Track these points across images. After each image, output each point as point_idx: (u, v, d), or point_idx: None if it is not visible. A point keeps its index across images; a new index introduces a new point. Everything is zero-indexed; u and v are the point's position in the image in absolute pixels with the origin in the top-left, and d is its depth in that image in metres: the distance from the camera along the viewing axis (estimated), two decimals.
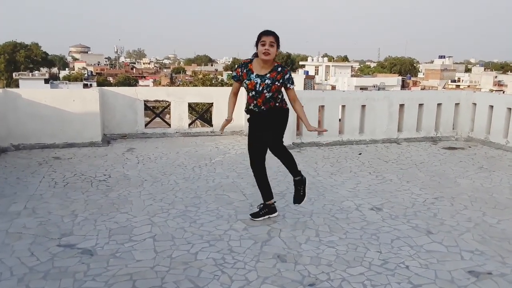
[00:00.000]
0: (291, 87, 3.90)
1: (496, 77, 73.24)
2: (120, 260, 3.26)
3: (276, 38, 3.76)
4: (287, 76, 3.86)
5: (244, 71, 3.87)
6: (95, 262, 3.22)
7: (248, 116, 4.07)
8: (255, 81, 3.81)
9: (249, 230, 3.87)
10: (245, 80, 3.86)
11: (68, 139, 7.09)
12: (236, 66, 4.00)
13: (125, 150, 6.96)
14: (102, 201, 4.53)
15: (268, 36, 3.72)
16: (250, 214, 4.16)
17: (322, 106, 7.65)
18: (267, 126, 3.96)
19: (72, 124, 7.09)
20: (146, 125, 8.23)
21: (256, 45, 3.77)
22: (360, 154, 7.01)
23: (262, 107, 3.89)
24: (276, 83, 3.82)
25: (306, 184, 4.19)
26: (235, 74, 3.95)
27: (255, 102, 3.88)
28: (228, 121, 4.05)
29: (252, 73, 3.84)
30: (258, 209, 4.17)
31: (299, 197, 4.16)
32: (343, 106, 7.84)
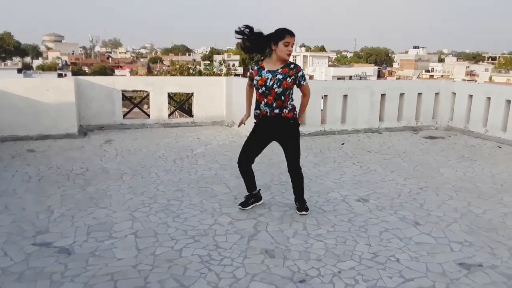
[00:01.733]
0: (304, 83, 3.85)
1: (468, 67, 74.88)
2: (100, 259, 3.09)
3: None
4: (301, 73, 3.82)
5: (255, 68, 3.83)
6: (73, 262, 3.05)
7: (256, 118, 3.95)
8: (266, 77, 3.74)
9: (235, 224, 3.75)
10: (255, 77, 3.79)
11: (42, 130, 6.80)
12: (249, 65, 4.01)
13: (103, 141, 6.72)
14: (80, 196, 4.34)
15: (292, 38, 3.69)
16: (239, 204, 4.13)
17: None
18: (276, 133, 3.89)
19: (46, 115, 6.80)
20: (124, 115, 7.99)
21: (276, 42, 3.68)
22: (343, 144, 6.96)
23: (274, 104, 3.76)
24: (288, 79, 3.72)
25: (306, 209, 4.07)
26: (249, 73, 3.93)
27: (265, 100, 3.78)
28: (247, 116, 4.12)
29: (264, 69, 3.78)
30: (245, 199, 4.16)
31: (304, 208, 4.08)
32: (325, 96, 7.76)
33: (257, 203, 4.17)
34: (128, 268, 2.99)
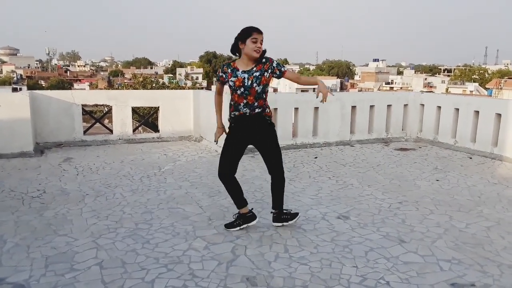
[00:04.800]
0: (285, 69, 3.67)
1: (426, 79, 77.57)
2: None
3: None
4: (275, 63, 3.66)
5: (229, 70, 3.63)
6: None
7: (231, 123, 3.73)
8: (242, 77, 3.56)
9: (211, 249, 3.46)
10: (231, 79, 3.59)
11: None
12: (220, 68, 3.74)
13: (61, 160, 6.26)
14: (36, 222, 3.91)
15: (260, 34, 3.53)
16: (225, 225, 3.86)
17: (275, 109, 7.36)
18: (256, 135, 3.69)
19: None
20: (85, 131, 7.53)
21: (244, 41, 3.52)
22: (316, 157, 6.79)
23: (255, 104, 3.59)
24: (265, 74, 3.59)
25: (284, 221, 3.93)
26: (218, 76, 3.73)
27: (245, 101, 3.58)
28: (221, 130, 3.89)
29: (238, 70, 3.60)
30: (234, 219, 3.86)
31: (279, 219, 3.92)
32: (296, 109, 7.60)
33: (249, 224, 3.82)
34: None
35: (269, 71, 3.60)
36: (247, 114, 3.60)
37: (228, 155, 3.71)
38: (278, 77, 3.67)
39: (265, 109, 3.67)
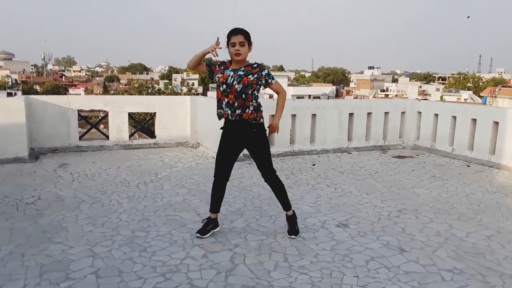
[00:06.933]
0: (273, 81, 3.65)
1: (420, 87, 77.97)
2: None
3: (246, 35, 3.57)
4: (265, 71, 3.63)
5: (221, 67, 3.67)
6: None
7: (221, 127, 3.77)
8: (228, 74, 3.58)
9: (209, 258, 3.40)
10: (217, 75, 3.62)
11: None
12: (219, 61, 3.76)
13: (57, 166, 6.18)
14: (31, 229, 3.84)
15: (236, 36, 3.54)
16: (197, 232, 3.80)
17: (272, 115, 7.31)
18: (243, 140, 3.72)
19: None
20: (80, 137, 7.46)
21: (227, 46, 3.58)
22: (314, 165, 6.76)
23: (235, 104, 3.55)
24: (250, 76, 3.55)
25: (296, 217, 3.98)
26: (211, 62, 3.75)
27: (226, 99, 3.58)
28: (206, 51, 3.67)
29: (227, 68, 3.64)
30: (203, 224, 3.84)
31: (294, 231, 3.88)
32: (293, 115, 7.57)
33: (215, 230, 3.84)
34: None
35: (255, 75, 3.57)
36: (230, 117, 3.60)
37: (220, 160, 3.77)
38: (264, 86, 3.65)
39: (246, 110, 3.56)
